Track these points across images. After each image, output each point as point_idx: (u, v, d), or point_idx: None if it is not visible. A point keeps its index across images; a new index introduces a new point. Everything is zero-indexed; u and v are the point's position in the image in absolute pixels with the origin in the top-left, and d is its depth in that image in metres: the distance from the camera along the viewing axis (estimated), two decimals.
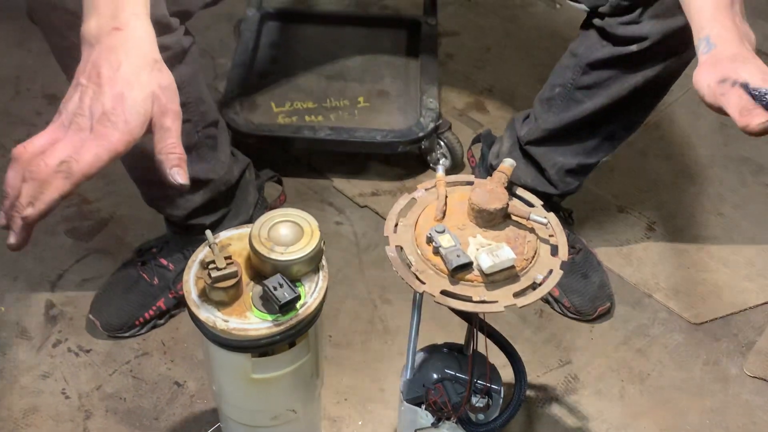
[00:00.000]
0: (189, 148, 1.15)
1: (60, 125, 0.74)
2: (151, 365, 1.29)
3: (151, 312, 1.30)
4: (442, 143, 1.54)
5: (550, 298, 1.38)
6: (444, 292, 0.88)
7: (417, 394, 1.10)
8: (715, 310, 1.40)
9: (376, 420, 1.25)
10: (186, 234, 1.28)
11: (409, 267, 0.91)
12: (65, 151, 0.72)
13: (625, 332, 1.37)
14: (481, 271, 0.89)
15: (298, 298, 0.92)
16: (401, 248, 0.93)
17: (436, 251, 0.91)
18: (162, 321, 1.33)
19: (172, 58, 1.06)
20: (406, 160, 1.60)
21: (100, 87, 0.73)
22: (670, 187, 1.60)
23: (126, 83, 0.73)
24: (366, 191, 1.57)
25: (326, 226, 1.51)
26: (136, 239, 1.44)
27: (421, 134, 1.48)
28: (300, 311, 0.92)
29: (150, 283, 1.31)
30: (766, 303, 1.41)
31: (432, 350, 1.16)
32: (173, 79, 0.77)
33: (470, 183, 0.99)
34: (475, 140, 1.53)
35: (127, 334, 1.31)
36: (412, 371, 1.12)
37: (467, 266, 0.89)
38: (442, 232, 0.91)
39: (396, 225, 0.96)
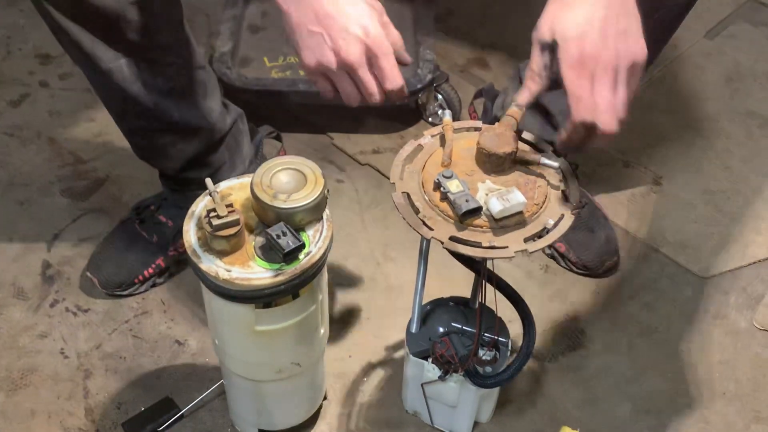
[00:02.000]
0: (177, 92, 1.13)
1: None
2: (151, 324, 1.27)
3: (151, 270, 1.28)
4: (439, 96, 1.52)
5: (556, 254, 1.36)
6: (453, 238, 0.86)
7: (423, 348, 1.08)
8: (724, 264, 1.38)
9: (381, 376, 1.23)
10: (182, 189, 1.25)
11: (417, 213, 0.88)
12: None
13: (632, 287, 1.34)
14: (490, 216, 0.86)
15: (303, 246, 0.89)
16: (408, 195, 0.90)
17: (444, 197, 0.88)
18: (161, 280, 1.30)
19: None
20: (404, 115, 1.57)
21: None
22: (676, 141, 1.57)
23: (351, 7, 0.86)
24: (366, 149, 1.54)
25: (328, 184, 1.47)
26: (133, 198, 1.41)
27: (419, 86, 1.45)
28: (304, 260, 0.89)
29: (149, 240, 1.28)
30: None
31: (438, 304, 1.14)
32: None
33: (478, 129, 0.96)
34: (477, 95, 1.50)
35: (125, 293, 1.28)
36: (418, 325, 1.10)
37: (476, 211, 0.86)
38: (450, 177, 0.88)
39: (402, 171, 0.93)
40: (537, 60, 0.87)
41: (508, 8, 1.84)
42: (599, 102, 0.83)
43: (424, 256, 1.01)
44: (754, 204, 1.47)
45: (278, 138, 1.44)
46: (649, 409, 1.20)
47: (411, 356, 1.08)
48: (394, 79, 0.88)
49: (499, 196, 0.86)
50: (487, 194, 0.88)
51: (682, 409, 1.20)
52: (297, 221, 0.91)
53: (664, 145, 1.56)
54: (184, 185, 1.24)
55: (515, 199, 0.86)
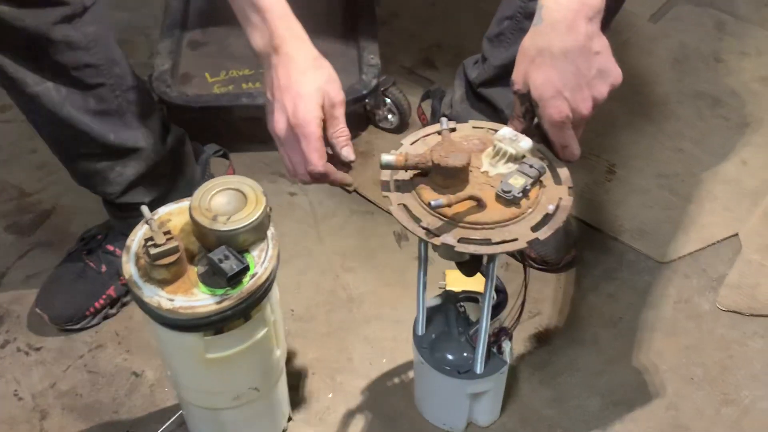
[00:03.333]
0: (110, 113, 1.10)
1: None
2: (106, 357, 1.23)
3: (102, 301, 1.24)
4: (388, 100, 1.49)
5: (515, 251, 1.34)
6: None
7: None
8: (683, 247, 1.37)
9: (347, 390, 1.20)
10: (126, 217, 1.21)
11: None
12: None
13: (593, 278, 1.33)
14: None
15: (247, 268, 0.86)
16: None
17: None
18: (114, 310, 1.27)
19: (71, 15, 1.01)
20: (353, 121, 1.53)
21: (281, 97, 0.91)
22: (627, 128, 1.56)
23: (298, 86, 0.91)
24: None
25: (280, 198, 1.45)
26: (80, 229, 1.37)
27: (364, 91, 1.42)
28: (250, 282, 0.86)
29: (98, 271, 1.24)
30: (733, 236, 1.39)
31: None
32: (334, 72, 0.93)
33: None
34: (425, 97, 1.48)
35: (77, 326, 1.24)
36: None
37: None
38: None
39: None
40: (517, 107, 0.92)
41: (452, 8, 1.83)
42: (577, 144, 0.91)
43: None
44: (709, 185, 1.47)
45: (225, 156, 1.41)
46: (618, 401, 1.19)
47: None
48: (313, 163, 0.91)
49: (509, 144, 0.88)
50: (495, 164, 0.89)
51: (651, 398, 1.19)
52: (240, 243, 0.88)
53: (615, 133, 1.55)
54: (127, 212, 1.21)
55: (525, 141, 0.89)
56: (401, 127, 1.53)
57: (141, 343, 1.24)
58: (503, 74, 1.20)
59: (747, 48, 1.74)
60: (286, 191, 1.46)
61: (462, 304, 1.10)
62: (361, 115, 1.54)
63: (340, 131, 0.93)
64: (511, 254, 1.35)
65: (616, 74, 0.89)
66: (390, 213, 0.87)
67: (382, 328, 1.27)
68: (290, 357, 1.21)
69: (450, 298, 1.11)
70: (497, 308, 1.07)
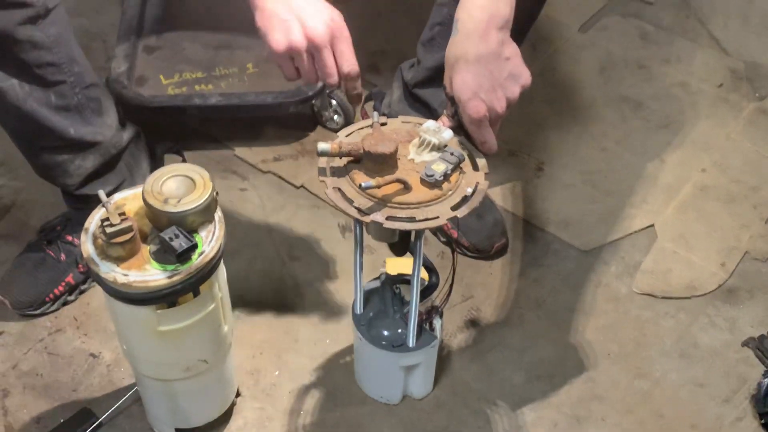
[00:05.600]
0: (70, 109, 1.18)
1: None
2: (65, 340, 1.30)
3: (61, 288, 1.31)
4: (333, 101, 1.58)
5: (450, 240, 1.44)
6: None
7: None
8: (603, 237, 1.48)
9: (292, 368, 1.29)
10: (84, 207, 1.28)
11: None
12: None
13: (521, 265, 1.44)
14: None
15: (195, 246, 0.95)
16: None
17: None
18: (72, 297, 1.34)
19: (35, 16, 1.08)
20: (301, 122, 1.63)
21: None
22: (555, 128, 1.68)
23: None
24: (268, 157, 1.60)
25: (231, 194, 1.53)
26: (40, 222, 1.43)
27: (310, 93, 1.51)
28: (198, 259, 0.95)
29: (57, 259, 1.31)
30: (649, 226, 1.50)
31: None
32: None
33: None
34: (367, 98, 1.57)
35: (37, 312, 1.31)
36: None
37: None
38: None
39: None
40: (448, 107, 1.02)
41: (396, 16, 1.93)
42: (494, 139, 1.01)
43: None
44: (629, 180, 1.58)
45: (179, 152, 1.49)
46: (541, 375, 1.29)
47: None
48: (352, 62, 0.99)
49: (433, 135, 0.97)
50: (420, 152, 0.98)
51: (571, 372, 1.30)
52: (189, 223, 0.96)
53: (545, 133, 1.66)
54: (86, 203, 1.28)
55: (446, 131, 0.98)
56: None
57: (98, 326, 1.32)
58: (435, 76, 1.31)
59: (669, 55, 1.86)
60: (237, 187, 1.55)
61: (398, 286, 1.19)
62: (308, 116, 1.63)
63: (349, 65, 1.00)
64: (446, 242, 1.46)
65: (526, 76, 0.99)
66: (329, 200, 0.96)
67: (327, 312, 1.36)
68: (239, 339, 1.29)
69: (387, 281, 1.20)
70: (429, 289, 1.17)
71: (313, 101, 1.56)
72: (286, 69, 1.00)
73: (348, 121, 1.61)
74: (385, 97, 1.48)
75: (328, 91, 1.57)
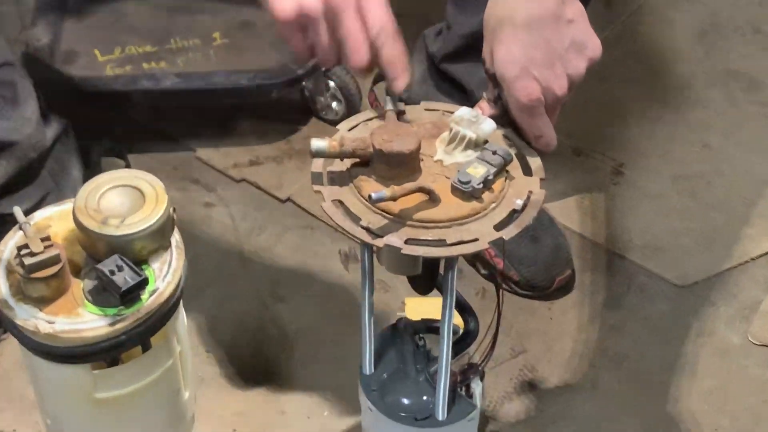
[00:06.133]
0: None
1: None
2: None
3: None
4: (331, 83, 1.60)
5: (495, 272, 1.45)
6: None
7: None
8: (707, 267, 1.48)
9: None
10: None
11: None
12: None
13: (593, 306, 1.44)
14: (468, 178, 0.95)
15: (146, 282, 0.96)
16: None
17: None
18: None
19: None
20: (288, 112, 1.65)
21: None
22: (639, 117, 1.68)
23: None
24: (242, 160, 1.62)
25: (193, 210, 1.55)
26: None
27: (300, 72, 1.53)
28: (149, 300, 0.96)
29: None
30: None
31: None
32: None
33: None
34: (378, 78, 1.57)
35: None
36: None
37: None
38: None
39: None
40: (490, 89, 1.02)
41: None
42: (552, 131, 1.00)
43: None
44: (742, 188, 1.59)
45: (121, 155, 1.51)
46: None
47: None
48: (383, 18, 0.96)
49: (468, 127, 0.97)
50: (451, 151, 0.98)
51: None
52: (136, 252, 0.97)
53: (624, 124, 1.67)
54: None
55: (486, 122, 0.98)
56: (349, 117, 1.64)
57: (12, 394, 1.32)
58: (471, 46, 1.31)
59: None
60: (200, 201, 1.56)
61: (422, 336, 1.20)
62: (297, 104, 1.65)
63: None
64: (489, 276, 1.46)
65: (594, 46, 0.99)
66: (328, 217, 0.97)
67: (324, 372, 1.37)
68: (205, 411, 1.29)
69: (407, 329, 1.21)
70: (465, 340, 1.18)
71: (304, 83, 1.57)
72: (297, 43, 1.00)
73: (352, 110, 1.62)
74: None
75: (323, 69, 1.59)
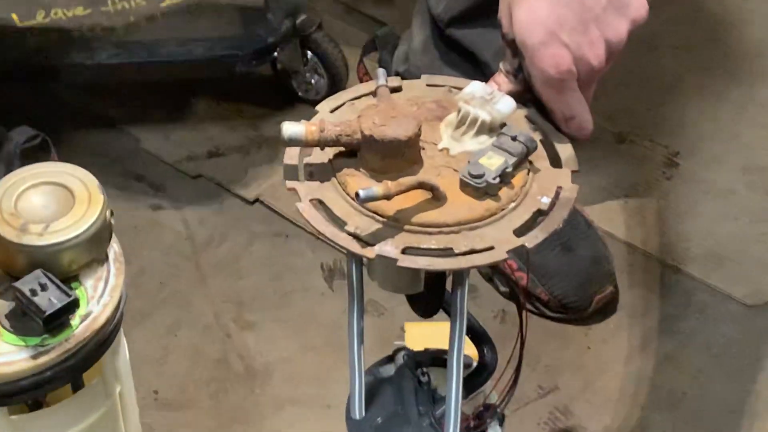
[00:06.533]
0: None
1: None
2: None
3: None
4: (310, 54, 1.60)
5: (516, 289, 1.45)
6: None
7: None
8: None
9: None
10: None
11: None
12: None
13: (642, 330, 1.44)
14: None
15: (76, 304, 0.96)
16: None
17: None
18: None
19: None
20: (255, 91, 1.65)
21: None
22: (697, 96, 1.68)
23: None
24: (198, 151, 1.62)
25: (137, 214, 1.55)
26: None
27: (270, 39, 1.53)
28: (81, 327, 0.96)
29: None
30: None
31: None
32: None
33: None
34: (368, 48, 1.59)
35: None
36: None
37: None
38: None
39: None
40: (508, 58, 1.03)
41: None
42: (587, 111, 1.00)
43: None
44: None
45: (45, 145, 1.51)
46: None
47: None
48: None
49: (481, 106, 0.97)
50: (460, 137, 0.98)
51: None
52: (64, 266, 0.97)
53: (678, 103, 1.67)
54: None
55: (504, 100, 0.98)
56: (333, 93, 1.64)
57: None
58: (485, 5, 1.32)
59: None
60: (146, 203, 1.57)
61: (425, 370, 1.21)
62: (268, 80, 1.65)
63: None
64: (509, 295, 1.47)
65: (638, 4, 0.99)
66: (307, 224, 0.97)
67: (302, 416, 1.37)
68: None
69: (407, 362, 1.22)
70: (480, 374, 1.18)
71: (277, 53, 1.58)
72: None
73: (335, 86, 1.63)
74: (400, 44, 1.50)
75: (301, 36, 1.59)
